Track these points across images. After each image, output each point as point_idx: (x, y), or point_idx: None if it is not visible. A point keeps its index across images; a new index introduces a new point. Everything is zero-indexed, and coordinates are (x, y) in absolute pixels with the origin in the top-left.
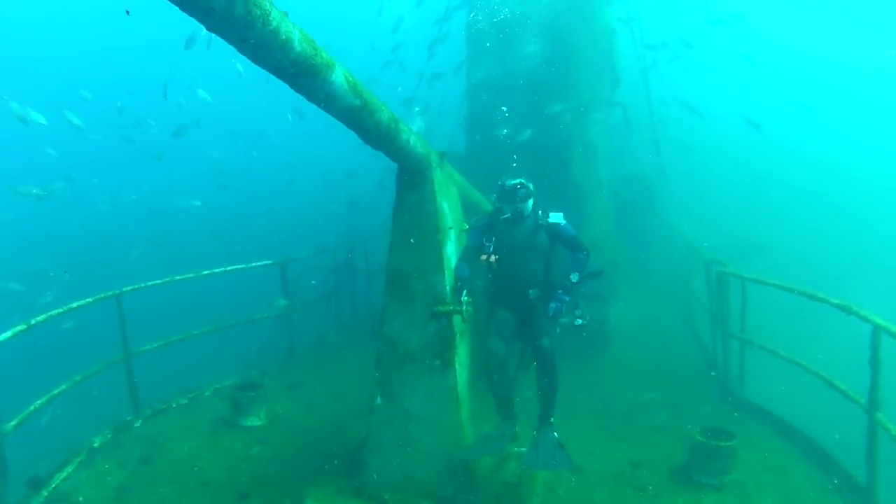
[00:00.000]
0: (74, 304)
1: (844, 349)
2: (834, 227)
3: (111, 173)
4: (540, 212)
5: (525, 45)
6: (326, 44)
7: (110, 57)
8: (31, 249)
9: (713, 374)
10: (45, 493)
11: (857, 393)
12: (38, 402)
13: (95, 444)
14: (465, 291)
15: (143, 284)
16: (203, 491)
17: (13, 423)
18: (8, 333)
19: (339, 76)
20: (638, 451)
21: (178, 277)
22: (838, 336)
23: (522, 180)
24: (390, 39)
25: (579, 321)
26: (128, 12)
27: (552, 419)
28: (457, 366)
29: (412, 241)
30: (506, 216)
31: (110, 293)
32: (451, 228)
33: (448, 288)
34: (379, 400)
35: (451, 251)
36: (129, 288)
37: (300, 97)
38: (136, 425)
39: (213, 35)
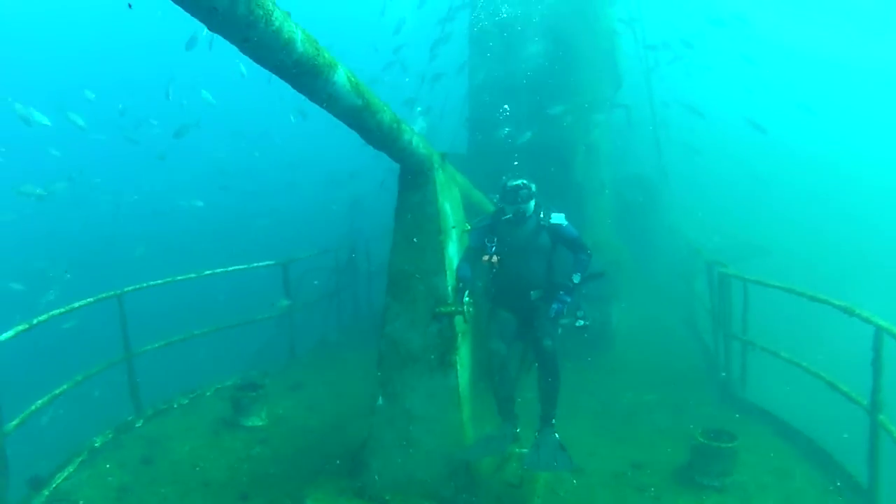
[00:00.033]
0: (76, 304)
1: (846, 351)
2: (834, 228)
3: (113, 173)
4: (542, 213)
5: (527, 45)
6: (329, 45)
7: (113, 57)
8: (32, 249)
9: (722, 375)
10: (46, 492)
11: (860, 394)
12: (40, 401)
13: (96, 444)
14: (466, 292)
15: (144, 284)
16: (204, 491)
17: (14, 422)
18: (9, 333)
19: (341, 76)
20: (639, 452)
21: (179, 277)
22: (840, 337)
23: (524, 181)
24: (392, 40)
25: (581, 322)
26: (130, 6)
27: (553, 420)
28: (458, 366)
29: (415, 241)
30: (508, 217)
31: (112, 293)
32: (454, 227)
33: (450, 289)
34: (380, 400)
35: (453, 252)
36: (130, 288)
37: (302, 98)
38: (137, 425)
39: (215, 36)
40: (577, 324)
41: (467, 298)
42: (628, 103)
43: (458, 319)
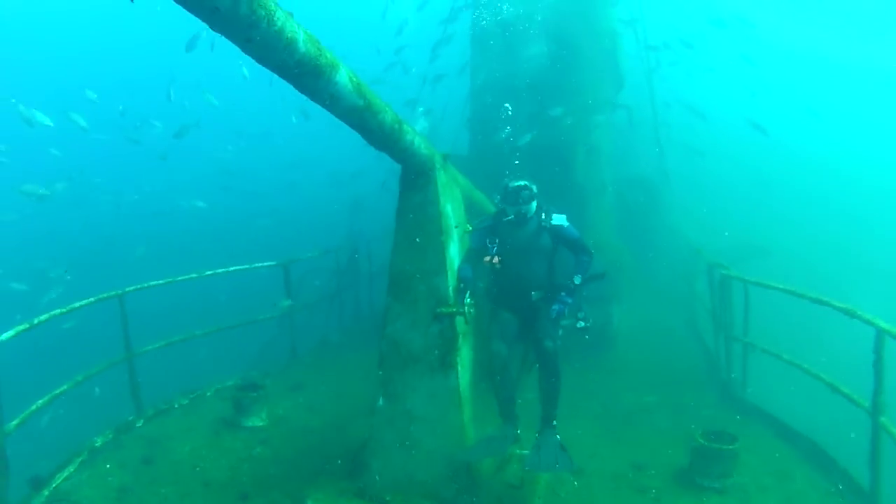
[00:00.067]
0: (77, 304)
1: (847, 352)
2: (835, 230)
3: (114, 173)
4: (543, 214)
5: (529, 46)
6: (330, 46)
7: (115, 57)
8: (34, 249)
9: (725, 377)
10: (46, 492)
11: (861, 396)
12: (40, 401)
13: (97, 444)
14: (467, 293)
15: (145, 284)
16: (204, 491)
17: (15, 422)
18: (10, 332)
19: (343, 77)
20: (640, 453)
21: (180, 278)
22: (841, 339)
23: (526, 182)
24: (394, 42)
25: (582, 323)
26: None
27: (554, 421)
28: (459, 367)
29: (416, 241)
30: (509, 218)
31: (113, 293)
32: (457, 227)
33: (451, 289)
34: (381, 401)
35: (454, 253)
36: (131, 288)
37: (305, 98)
38: (137, 425)
39: (217, 36)
40: (578, 325)
41: (468, 299)
42: (630, 104)
43: (459, 320)
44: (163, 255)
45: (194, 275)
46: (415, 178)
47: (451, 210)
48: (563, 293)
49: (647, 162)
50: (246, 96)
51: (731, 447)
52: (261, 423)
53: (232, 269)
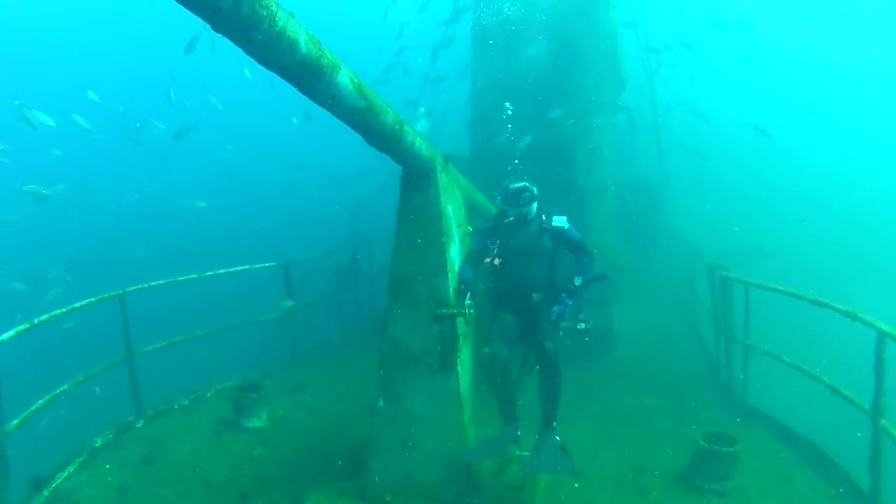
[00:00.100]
0: (77, 304)
1: (848, 354)
2: (835, 231)
3: (115, 173)
4: (544, 215)
5: (529, 47)
6: (332, 47)
7: (117, 58)
8: (34, 249)
9: (730, 378)
10: (46, 492)
11: (861, 399)
12: (41, 401)
13: (97, 444)
14: (468, 294)
15: (146, 285)
16: (204, 492)
17: (15, 422)
18: (11, 332)
19: (344, 77)
20: (640, 455)
21: (181, 278)
22: (842, 341)
23: (527, 184)
24: (395, 43)
25: (582, 325)
26: None
27: (555, 423)
28: (459, 368)
29: (417, 242)
30: (510, 219)
31: (113, 293)
32: (459, 227)
33: (451, 291)
34: (381, 402)
35: (455, 254)
36: (132, 288)
37: (306, 99)
38: (137, 426)
39: (218, 38)
40: (578, 326)
41: (469, 300)
42: (631, 106)
43: (460, 321)
44: (163, 255)
45: (195, 275)
46: (416, 179)
47: (452, 211)
48: (563, 295)
49: (647, 164)
50: (247, 97)
51: (731, 449)
52: (261, 424)
53: (233, 269)
